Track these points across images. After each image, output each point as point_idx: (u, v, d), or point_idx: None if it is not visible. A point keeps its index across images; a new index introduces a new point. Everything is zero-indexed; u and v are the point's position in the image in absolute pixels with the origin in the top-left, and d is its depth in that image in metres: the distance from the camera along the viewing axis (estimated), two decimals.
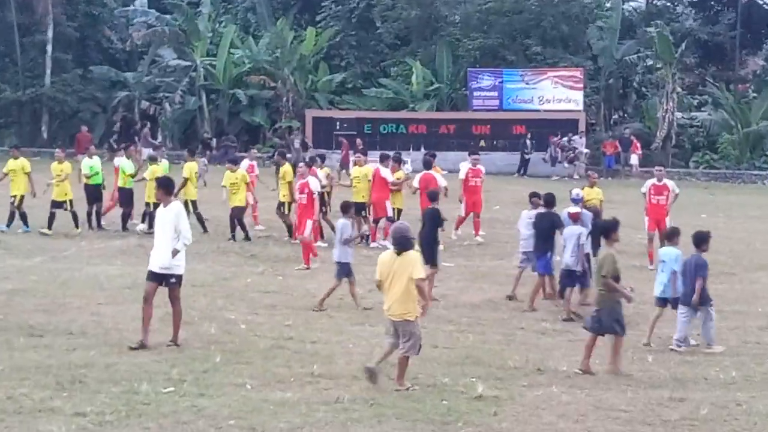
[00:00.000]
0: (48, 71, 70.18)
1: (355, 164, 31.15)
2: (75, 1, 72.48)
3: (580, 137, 58.74)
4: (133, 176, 31.76)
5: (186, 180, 30.54)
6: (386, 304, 14.54)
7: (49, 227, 29.70)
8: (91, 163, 31.83)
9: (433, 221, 21.48)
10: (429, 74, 67.38)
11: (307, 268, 24.95)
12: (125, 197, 31.60)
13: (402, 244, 14.47)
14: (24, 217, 30.10)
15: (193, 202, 30.52)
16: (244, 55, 69.90)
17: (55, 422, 12.52)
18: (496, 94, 63.66)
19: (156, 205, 21.40)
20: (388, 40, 70.72)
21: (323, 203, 28.87)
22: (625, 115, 69.04)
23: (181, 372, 14.97)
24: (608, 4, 70.80)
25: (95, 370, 15.04)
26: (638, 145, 58.82)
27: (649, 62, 66.51)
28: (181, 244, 16.78)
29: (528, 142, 58.64)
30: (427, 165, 28.71)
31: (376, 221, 28.92)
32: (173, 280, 16.91)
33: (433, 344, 17.10)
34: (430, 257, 20.48)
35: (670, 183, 27.01)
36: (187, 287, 21.79)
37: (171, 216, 16.79)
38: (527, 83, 63.62)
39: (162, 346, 16.65)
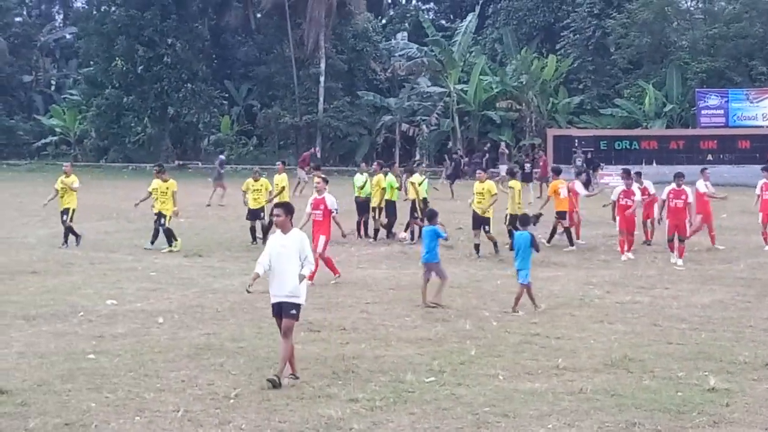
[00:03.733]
0: (321, 99, 71.81)
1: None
2: (344, 37, 73.97)
3: None
4: (399, 188, 32.25)
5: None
6: None
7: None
8: (361, 179, 32.41)
9: None
10: (660, 95, 66.44)
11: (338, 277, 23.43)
12: (390, 209, 31.90)
13: None
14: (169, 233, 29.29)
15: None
16: (493, 81, 70.21)
17: (332, 407, 12.74)
18: (722, 112, 62.44)
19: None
20: (622, 65, 70.17)
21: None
22: None
23: (441, 364, 15.05)
24: None
25: (365, 362, 15.26)
26: None
27: None
28: (307, 270, 14.38)
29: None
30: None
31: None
32: (293, 311, 14.28)
33: (667, 341, 16.82)
34: None
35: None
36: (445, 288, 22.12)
37: (296, 242, 14.32)
38: (751, 101, 62.16)
39: (423, 340, 16.79)
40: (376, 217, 31.69)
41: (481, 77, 70.22)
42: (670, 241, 26.80)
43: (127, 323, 18.04)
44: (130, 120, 76.17)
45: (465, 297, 21.26)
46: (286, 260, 14.21)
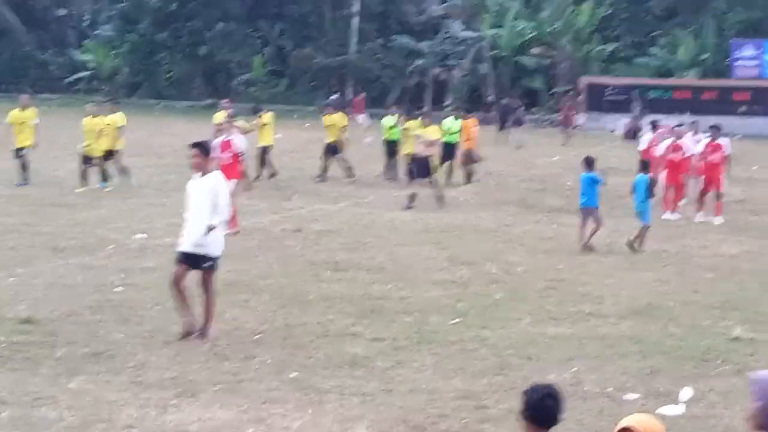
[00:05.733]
0: (354, 41, 71.59)
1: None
2: None
3: None
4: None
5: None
6: None
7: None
8: (391, 121, 32.39)
9: None
10: (695, 45, 65.87)
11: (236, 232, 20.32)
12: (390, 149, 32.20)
13: None
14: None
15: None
16: (527, 27, 69.74)
17: (357, 345, 12.86)
18: (757, 63, 61.93)
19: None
20: (657, 13, 69.44)
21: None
22: None
23: (466, 306, 15.12)
24: None
25: (391, 302, 15.34)
26: None
27: None
28: (216, 219, 13.15)
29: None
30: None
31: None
32: (205, 263, 13.21)
33: (694, 290, 16.83)
34: None
35: None
36: (471, 232, 22.16)
37: (209, 186, 13.21)
38: None
39: (448, 282, 16.86)
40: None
41: (514, 22, 69.84)
42: (704, 195, 25.70)
43: (156, 257, 18.13)
44: (163, 57, 76.25)
45: (492, 241, 21.29)
46: (197, 206, 13.18)
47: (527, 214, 25.75)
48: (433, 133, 27.60)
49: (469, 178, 31.66)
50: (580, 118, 57.47)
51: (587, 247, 20.32)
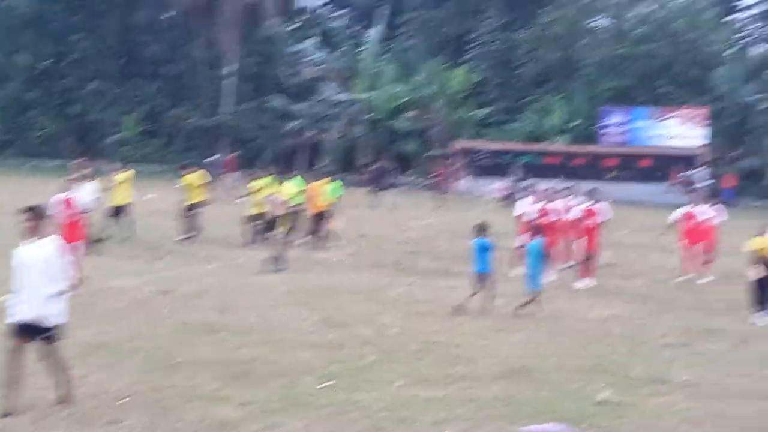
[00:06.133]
0: (228, 101, 71.44)
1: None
2: (254, 40, 73.60)
3: (702, 170, 58.18)
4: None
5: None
6: None
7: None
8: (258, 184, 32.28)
9: None
10: (565, 111, 67.08)
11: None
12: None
13: None
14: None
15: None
16: (401, 90, 70.32)
17: (226, 409, 12.63)
18: (625, 130, 63.43)
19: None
20: (530, 79, 70.60)
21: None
22: (744, 152, 67.64)
23: (338, 369, 14.99)
24: (731, 51, 69.98)
25: (261, 365, 15.12)
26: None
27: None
28: (58, 288, 12.27)
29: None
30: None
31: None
32: (49, 334, 12.30)
33: (564, 353, 16.96)
34: None
35: None
36: (344, 294, 22.08)
37: (45, 252, 12.24)
38: (654, 121, 63.18)
39: (320, 345, 16.71)
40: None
41: (389, 86, 70.41)
42: (586, 261, 25.87)
43: None
44: (34, 115, 75.10)
45: (365, 303, 21.23)
46: (33, 274, 12.13)
47: (401, 276, 25.76)
48: (283, 193, 27.59)
49: (321, 239, 31.30)
50: (462, 182, 58.06)
51: (460, 309, 20.41)
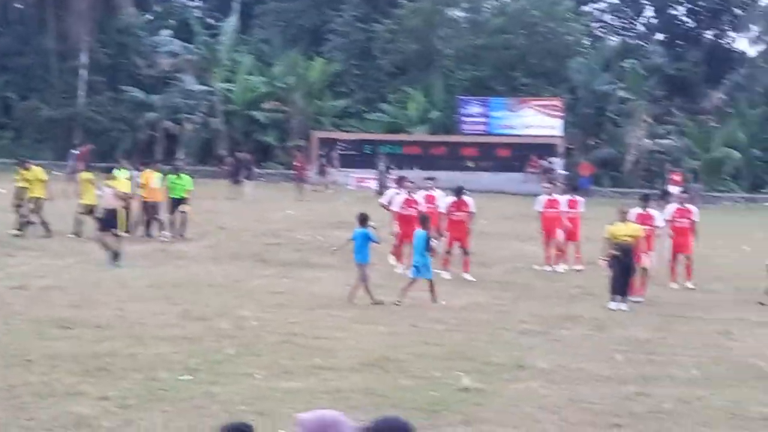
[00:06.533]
0: (82, 93, 70.23)
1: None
2: (108, 30, 72.51)
3: (558, 160, 59.22)
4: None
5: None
6: None
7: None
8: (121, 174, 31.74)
9: None
10: (424, 101, 67.52)
11: None
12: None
13: None
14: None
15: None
16: (259, 82, 70.07)
17: (83, 404, 12.43)
18: (483, 120, 64.03)
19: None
20: (388, 70, 70.92)
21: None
22: (600, 140, 69.00)
23: (197, 362, 14.87)
24: (586, 41, 71.32)
25: (119, 359, 14.93)
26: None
27: (622, 94, 66.60)
28: None
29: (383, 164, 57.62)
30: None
31: None
32: None
33: (425, 341, 17.11)
34: None
35: (693, 207, 26.52)
36: (203, 287, 21.93)
37: None
38: (512, 111, 63.94)
39: (179, 338, 16.56)
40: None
41: (247, 77, 70.09)
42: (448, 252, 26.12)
43: None
44: None
45: (225, 296, 21.11)
46: None
47: (261, 268, 25.68)
48: (123, 185, 27.07)
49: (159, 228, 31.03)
50: (321, 173, 58.00)
51: (348, 298, 20.85)
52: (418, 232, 21.70)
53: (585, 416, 13.00)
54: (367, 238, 21.20)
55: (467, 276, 25.34)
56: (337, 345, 16.59)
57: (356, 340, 17.05)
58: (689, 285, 25.30)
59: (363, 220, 21.53)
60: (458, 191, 26.56)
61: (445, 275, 25.10)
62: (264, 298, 21.05)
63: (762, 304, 23.02)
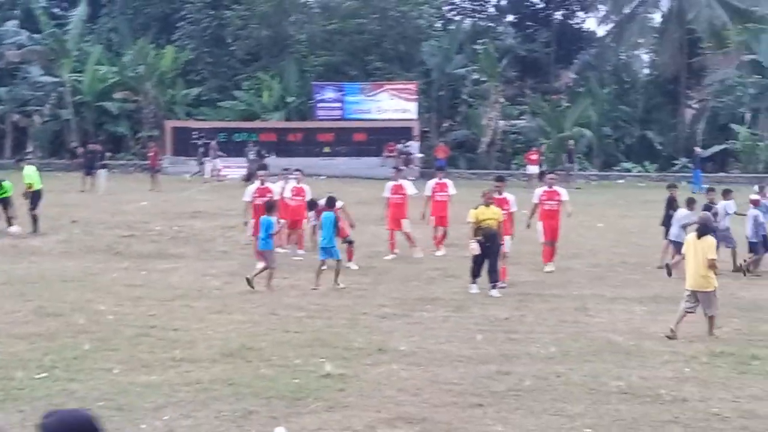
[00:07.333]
0: None
1: None
2: None
3: (414, 143, 59.61)
4: None
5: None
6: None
7: None
8: None
9: None
10: (279, 88, 67.29)
11: None
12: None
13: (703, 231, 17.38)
14: None
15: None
16: (109, 72, 69.07)
17: None
18: (339, 105, 64.05)
19: None
20: (241, 57, 70.44)
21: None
22: (455, 123, 69.58)
23: (53, 359, 14.66)
24: (439, 25, 71.87)
25: None
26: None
27: (476, 76, 67.25)
28: None
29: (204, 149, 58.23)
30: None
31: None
32: None
33: (285, 329, 17.13)
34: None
35: (561, 190, 26.21)
36: (58, 282, 21.60)
37: None
38: (366, 95, 64.06)
39: (34, 336, 16.29)
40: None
41: (96, 67, 68.92)
42: (290, 235, 26.88)
43: None
44: None
45: (80, 291, 20.82)
46: None
47: (115, 261, 25.40)
48: None
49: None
50: (175, 163, 57.36)
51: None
52: (326, 214, 22.09)
53: (446, 397, 13.16)
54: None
55: (352, 265, 24.91)
56: (196, 336, 16.52)
57: (215, 331, 16.99)
58: (548, 269, 25.23)
59: (331, 203, 22.28)
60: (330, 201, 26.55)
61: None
62: (120, 291, 20.84)
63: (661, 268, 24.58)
